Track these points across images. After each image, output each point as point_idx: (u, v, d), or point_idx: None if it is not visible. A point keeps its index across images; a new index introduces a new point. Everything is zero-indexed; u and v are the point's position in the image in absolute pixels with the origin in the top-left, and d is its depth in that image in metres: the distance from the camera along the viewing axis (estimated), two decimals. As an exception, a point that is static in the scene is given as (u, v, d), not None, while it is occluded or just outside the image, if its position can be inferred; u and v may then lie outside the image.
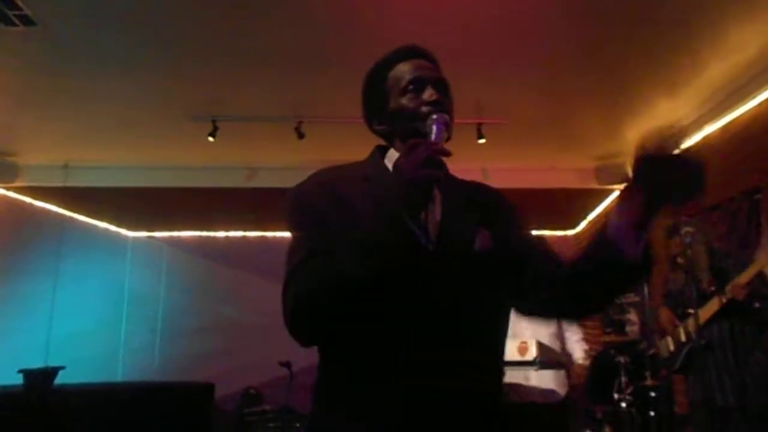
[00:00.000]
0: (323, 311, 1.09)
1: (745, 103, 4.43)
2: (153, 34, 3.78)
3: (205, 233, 7.09)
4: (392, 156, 1.31)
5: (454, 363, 1.09)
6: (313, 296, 1.08)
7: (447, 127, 1.18)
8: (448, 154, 1.06)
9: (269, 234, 6.75)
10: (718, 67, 4.24)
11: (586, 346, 3.58)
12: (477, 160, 5.37)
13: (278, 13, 3.56)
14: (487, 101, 4.70)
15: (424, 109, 1.24)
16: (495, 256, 1.20)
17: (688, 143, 5.19)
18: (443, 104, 1.26)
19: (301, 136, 4.92)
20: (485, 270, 1.19)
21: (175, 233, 7.11)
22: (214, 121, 4.88)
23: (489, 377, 1.18)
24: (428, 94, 1.26)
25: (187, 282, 6.95)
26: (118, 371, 6.58)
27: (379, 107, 1.34)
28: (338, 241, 1.08)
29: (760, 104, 4.32)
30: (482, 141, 4.97)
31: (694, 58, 4.10)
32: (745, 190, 4.43)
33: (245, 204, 6.38)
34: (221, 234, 6.88)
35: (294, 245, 1.18)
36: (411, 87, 1.28)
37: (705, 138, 4.90)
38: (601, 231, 1.14)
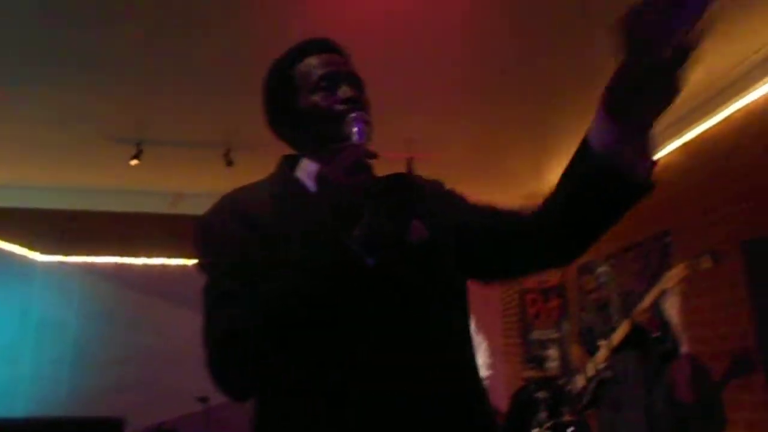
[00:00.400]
0: (259, 351, 0.94)
1: (657, 151, 4.71)
2: (69, 52, 3.62)
3: (122, 259, 6.78)
4: (305, 167, 1.15)
5: (415, 367, 0.98)
6: (244, 337, 0.93)
7: (369, 126, 1.05)
8: (375, 156, 0.96)
9: (191, 262, 6.55)
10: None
11: (485, 373, 3.61)
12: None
13: (212, 35, 3.52)
14: (418, 136, 4.79)
15: (340, 107, 1.10)
16: (435, 241, 1.08)
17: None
18: (360, 102, 1.13)
19: (229, 163, 4.83)
20: (431, 260, 1.07)
21: (91, 258, 6.77)
22: (138, 144, 4.73)
23: (452, 378, 1.03)
24: (343, 91, 1.12)
25: (100, 310, 6.59)
26: (19, 405, 6.12)
27: (284, 108, 1.19)
28: (262, 271, 0.95)
29: (669, 153, 4.62)
30: (412, 176, 5.04)
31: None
32: (657, 234, 4.69)
33: (168, 231, 6.17)
34: (140, 261, 6.59)
35: (210, 283, 1.03)
36: (323, 84, 1.13)
37: (621, 182, 5.17)
38: (585, 141, 1.00)
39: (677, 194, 4.49)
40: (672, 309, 4.08)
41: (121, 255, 6.73)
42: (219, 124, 4.60)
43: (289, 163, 1.20)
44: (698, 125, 4.26)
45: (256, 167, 5.55)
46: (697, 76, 3.75)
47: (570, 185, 1.04)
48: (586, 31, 3.39)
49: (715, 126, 4.14)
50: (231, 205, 1.10)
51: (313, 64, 1.16)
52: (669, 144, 4.57)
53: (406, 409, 0.95)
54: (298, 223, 1.01)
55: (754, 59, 3.67)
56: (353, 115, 1.06)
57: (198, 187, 5.65)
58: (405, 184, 1.05)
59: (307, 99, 1.13)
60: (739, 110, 3.92)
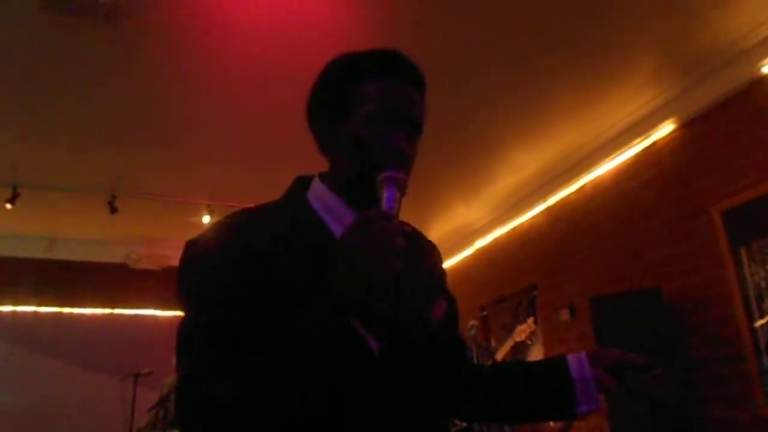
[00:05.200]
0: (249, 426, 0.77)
1: (526, 213, 5.19)
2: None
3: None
4: (319, 193, 0.99)
5: None
6: (234, 409, 0.76)
7: (402, 193, 0.87)
8: (409, 235, 0.80)
9: (66, 310, 6.20)
10: (506, 181, 4.97)
11: None
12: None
13: (97, 85, 3.50)
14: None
15: (381, 155, 0.91)
16: (445, 331, 1.00)
17: (480, 243, 5.85)
18: (408, 159, 0.95)
19: (113, 210, 4.74)
20: (438, 344, 0.97)
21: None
22: (14, 188, 4.54)
23: None
24: (396, 137, 0.93)
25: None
26: None
27: (333, 117, 0.98)
28: (268, 332, 0.79)
29: (536, 215, 5.10)
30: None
31: (487, 172, 4.79)
32: (526, 286, 5.11)
33: (42, 276, 5.86)
34: (7, 309, 6.16)
35: (199, 328, 0.83)
36: (380, 119, 0.93)
37: (495, 239, 5.61)
38: (563, 363, 1.04)
39: (542, 252, 4.95)
40: (537, 358, 4.44)
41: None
42: (104, 171, 4.53)
43: (304, 186, 1.02)
44: (558, 192, 4.76)
45: (141, 215, 5.43)
46: (557, 150, 4.24)
47: (532, 397, 1.08)
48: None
49: (571, 194, 4.65)
50: (241, 236, 0.89)
51: (382, 91, 0.96)
52: (536, 207, 5.05)
53: None
54: (313, 278, 0.82)
55: (603, 138, 4.21)
56: (390, 174, 0.87)
57: (77, 232, 5.47)
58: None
59: (357, 126, 0.94)
60: (590, 182, 4.44)
